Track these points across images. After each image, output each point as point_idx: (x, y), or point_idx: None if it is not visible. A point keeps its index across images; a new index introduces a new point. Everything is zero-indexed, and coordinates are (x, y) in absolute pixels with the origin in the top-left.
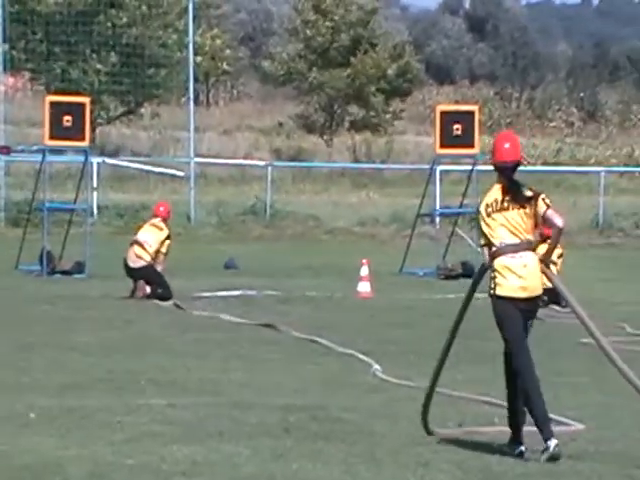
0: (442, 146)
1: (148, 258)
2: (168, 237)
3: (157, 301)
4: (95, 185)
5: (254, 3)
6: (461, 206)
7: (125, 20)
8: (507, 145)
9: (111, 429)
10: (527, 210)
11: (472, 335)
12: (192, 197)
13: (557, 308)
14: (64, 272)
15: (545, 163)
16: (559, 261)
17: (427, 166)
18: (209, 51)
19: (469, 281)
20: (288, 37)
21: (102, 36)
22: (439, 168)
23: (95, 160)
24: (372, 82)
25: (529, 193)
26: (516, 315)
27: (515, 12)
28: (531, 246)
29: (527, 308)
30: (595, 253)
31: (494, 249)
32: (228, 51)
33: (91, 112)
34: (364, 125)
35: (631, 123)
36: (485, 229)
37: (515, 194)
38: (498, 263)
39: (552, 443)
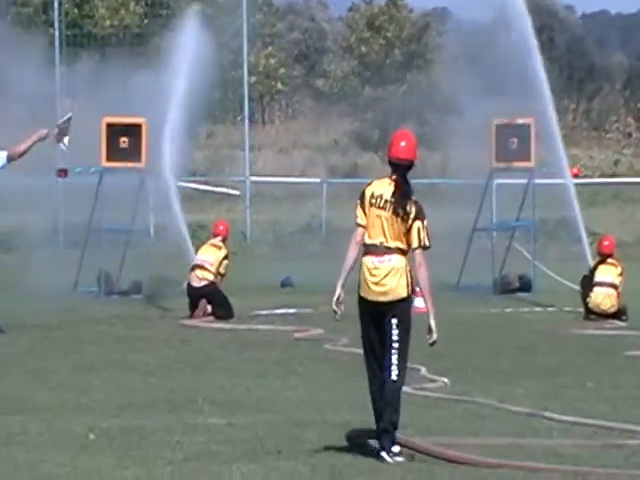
0: (498, 160)
1: (211, 277)
2: (226, 257)
3: (217, 321)
4: (152, 206)
5: (307, 22)
6: (518, 220)
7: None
8: (403, 143)
9: (170, 449)
10: (403, 217)
11: (527, 349)
12: (248, 216)
13: (618, 322)
14: (122, 292)
15: (603, 175)
16: (619, 280)
17: (483, 180)
18: (263, 70)
19: (526, 295)
20: (342, 54)
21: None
22: (495, 182)
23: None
24: (426, 98)
25: (413, 208)
26: (368, 317)
27: (570, 23)
28: (395, 252)
29: (382, 310)
30: None
31: (365, 244)
32: (282, 70)
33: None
34: (419, 140)
35: None
36: (363, 214)
37: (402, 196)
38: (364, 262)
39: (384, 455)
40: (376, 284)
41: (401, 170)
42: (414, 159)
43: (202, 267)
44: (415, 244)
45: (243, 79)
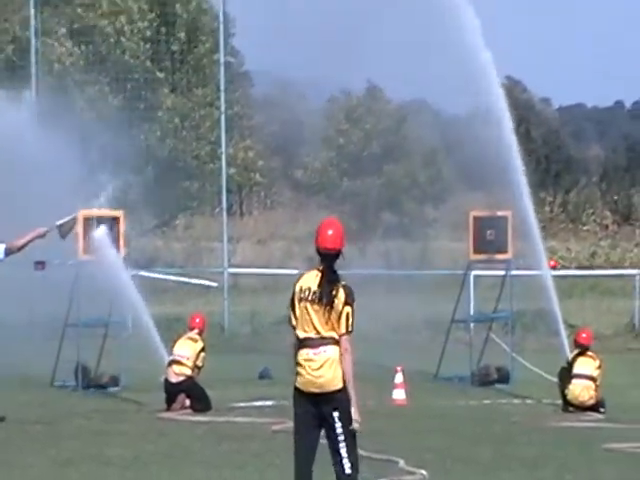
0: (476, 251)
1: (189, 372)
2: (203, 349)
3: (195, 414)
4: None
5: (285, 114)
6: (495, 311)
7: (159, 134)
8: (330, 232)
9: None
10: (331, 305)
11: (506, 441)
12: (226, 307)
13: (597, 415)
14: (99, 386)
15: (580, 267)
16: (598, 372)
17: (461, 271)
18: (242, 162)
19: (505, 387)
20: (321, 145)
21: (136, 150)
22: (473, 273)
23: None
24: (404, 190)
25: (341, 293)
26: (304, 410)
27: (547, 116)
28: (330, 342)
29: (320, 402)
30: (631, 357)
31: (298, 339)
32: (261, 162)
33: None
34: (397, 232)
35: None
36: (293, 315)
37: (327, 284)
38: (299, 355)
39: None
40: (311, 375)
41: (328, 260)
42: (341, 248)
43: (179, 362)
44: (343, 330)
45: (221, 171)
